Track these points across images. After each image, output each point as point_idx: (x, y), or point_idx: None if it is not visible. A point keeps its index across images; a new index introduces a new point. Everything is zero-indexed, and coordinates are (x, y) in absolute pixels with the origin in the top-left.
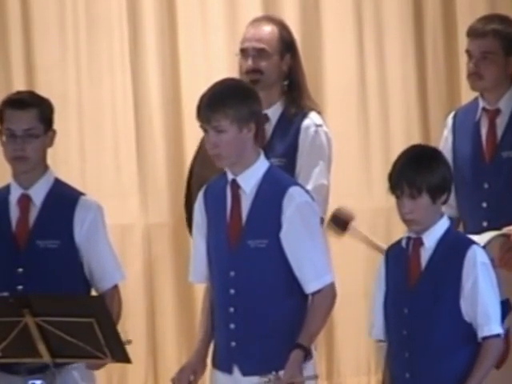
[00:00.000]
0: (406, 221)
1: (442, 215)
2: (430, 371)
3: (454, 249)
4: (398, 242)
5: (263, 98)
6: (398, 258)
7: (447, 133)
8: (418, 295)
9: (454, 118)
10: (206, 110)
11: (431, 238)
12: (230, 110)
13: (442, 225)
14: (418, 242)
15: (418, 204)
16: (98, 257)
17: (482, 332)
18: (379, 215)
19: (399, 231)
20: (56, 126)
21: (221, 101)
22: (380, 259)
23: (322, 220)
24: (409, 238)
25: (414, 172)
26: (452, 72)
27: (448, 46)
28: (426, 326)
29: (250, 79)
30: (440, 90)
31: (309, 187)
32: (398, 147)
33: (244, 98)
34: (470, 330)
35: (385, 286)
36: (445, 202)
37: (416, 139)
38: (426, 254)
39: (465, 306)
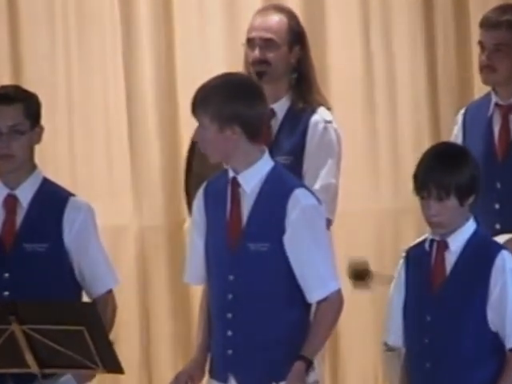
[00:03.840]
0: (431, 224)
1: (468, 217)
2: (453, 383)
3: (481, 253)
4: (420, 244)
5: (269, 91)
6: (420, 261)
7: (457, 130)
8: (442, 302)
9: (465, 114)
10: (193, 102)
11: (457, 241)
12: (209, 107)
13: (469, 227)
14: (443, 245)
15: (445, 206)
16: (89, 260)
17: (510, 343)
18: (387, 217)
19: (409, 235)
20: (44, 122)
21: (205, 96)
22: (388, 265)
23: (330, 222)
24: (432, 241)
25: (442, 172)
26: (464, 65)
27: (460, 36)
28: (449, 334)
29: (256, 71)
30: (451, 84)
31: (316, 186)
32: (407, 145)
33: (230, 97)
34: (496, 340)
35: (404, 291)
36: (472, 204)
37: (426, 136)
38: (451, 258)
39: (491, 314)
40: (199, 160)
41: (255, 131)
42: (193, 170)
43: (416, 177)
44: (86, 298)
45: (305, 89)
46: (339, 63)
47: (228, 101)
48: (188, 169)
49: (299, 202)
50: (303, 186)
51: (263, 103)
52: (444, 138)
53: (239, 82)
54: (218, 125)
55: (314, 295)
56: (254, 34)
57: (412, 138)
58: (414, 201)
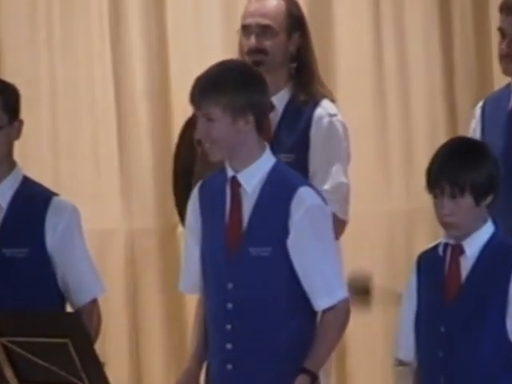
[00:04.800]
0: (444, 224)
1: (486, 219)
2: None
3: (500, 259)
4: (433, 249)
5: (267, 82)
6: (433, 267)
7: (475, 124)
8: (457, 311)
9: (483, 107)
10: (197, 94)
11: (473, 246)
12: (222, 97)
13: (487, 230)
14: (458, 250)
15: (459, 205)
16: (73, 267)
17: None
18: (398, 218)
19: (422, 236)
20: (25, 116)
21: (214, 85)
22: (398, 272)
23: (344, 223)
24: (446, 245)
25: (457, 168)
26: (483, 52)
27: (478, 22)
28: (465, 347)
29: (252, 60)
30: (469, 73)
31: (326, 187)
32: (421, 140)
33: (242, 84)
34: None
35: (416, 300)
36: (490, 205)
37: (441, 131)
38: (467, 264)
39: (511, 324)
40: (202, 161)
41: (263, 121)
42: (194, 172)
43: (429, 173)
44: (69, 309)
45: (306, 80)
46: (346, 51)
47: (241, 89)
48: (177, 171)
49: (304, 202)
50: (308, 184)
51: (268, 90)
52: (461, 133)
53: (246, 68)
54: (231, 116)
55: (319, 303)
56: (249, 21)
57: (426, 132)
58: (428, 200)
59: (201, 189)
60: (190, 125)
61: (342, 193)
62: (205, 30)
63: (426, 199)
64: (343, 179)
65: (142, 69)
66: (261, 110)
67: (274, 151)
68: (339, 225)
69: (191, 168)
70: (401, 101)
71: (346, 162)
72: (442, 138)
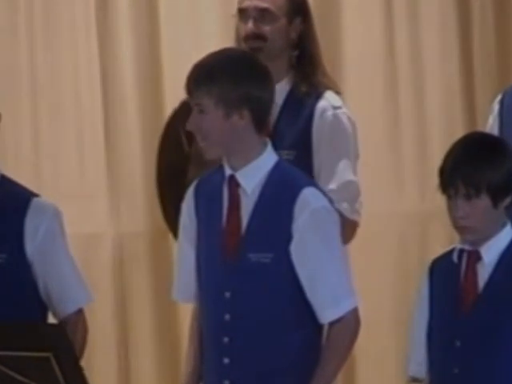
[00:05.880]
0: (458, 228)
1: (504, 223)
2: None
3: None
4: (447, 255)
5: (272, 77)
6: (447, 275)
7: (493, 120)
8: (474, 324)
9: (502, 101)
10: (191, 82)
11: (491, 252)
12: (216, 88)
13: (505, 235)
14: (475, 256)
15: (475, 207)
16: (56, 274)
17: None
18: (412, 222)
19: (437, 241)
20: (2, 108)
21: (208, 75)
22: (411, 278)
23: (355, 224)
24: (462, 251)
25: (473, 166)
26: (505, 40)
27: (499, 7)
28: (483, 363)
29: (249, 47)
30: (490, 63)
31: (332, 186)
32: (436, 136)
33: (239, 76)
34: None
35: (428, 311)
36: (509, 207)
37: (459, 127)
38: (484, 272)
39: None
40: (196, 162)
41: (263, 118)
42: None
43: (442, 171)
44: (52, 319)
45: (308, 69)
46: (355, 39)
47: (238, 81)
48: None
49: (309, 204)
50: (313, 184)
51: (272, 83)
52: (480, 128)
53: (245, 58)
54: (224, 110)
55: (325, 315)
56: (246, 4)
57: (442, 128)
58: (443, 203)
59: (197, 188)
60: (176, 118)
61: (351, 191)
62: (199, 14)
63: (441, 200)
64: (351, 177)
65: (132, 56)
66: (259, 106)
67: (274, 147)
68: (348, 226)
69: (179, 172)
70: (414, 93)
71: (353, 159)
72: (459, 134)
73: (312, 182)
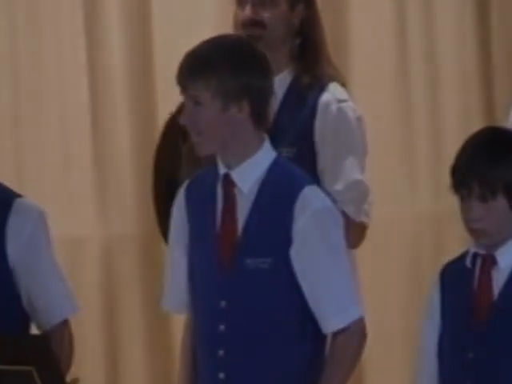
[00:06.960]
0: (472, 230)
1: None
2: None
3: None
4: (460, 260)
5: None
6: (459, 281)
7: None
8: (488, 334)
9: None
10: (185, 73)
11: (508, 256)
12: (213, 79)
13: None
14: (490, 261)
15: (490, 209)
16: (40, 282)
17: None
18: (426, 224)
19: (452, 245)
20: None
21: (205, 65)
22: (424, 282)
23: (364, 226)
24: (476, 255)
25: (488, 165)
26: None
27: None
28: (498, 376)
29: (247, 34)
30: (509, 53)
31: (338, 187)
32: (451, 132)
33: (238, 65)
34: None
35: (440, 320)
36: None
37: (476, 123)
38: (500, 278)
39: None
40: (190, 159)
41: (262, 111)
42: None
43: (454, 170)
44: (35, 330)
45: (311, 59)
46: (363, 26)
47: (236, 71)
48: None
49: (310, 205)
50: (313, 182)
51: (271, 73)
52: (499, 124)
53: (242, 44)
54: (221, 102)
55: (330, 324)
56: None
57: (458, 123)
58: (458, 203)
59: (188, 188)
60: (174, 122)
61: (359, 191)
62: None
63: (456, 202)
64: (358, 176)
65: (121, 46)
66: (259, 97)
67: (273, 144)
68: (355, 228)
69: (177, 175)
70: (428, 86)
71: (361, 156)
72: (476, 129)
73: (312, 180)
